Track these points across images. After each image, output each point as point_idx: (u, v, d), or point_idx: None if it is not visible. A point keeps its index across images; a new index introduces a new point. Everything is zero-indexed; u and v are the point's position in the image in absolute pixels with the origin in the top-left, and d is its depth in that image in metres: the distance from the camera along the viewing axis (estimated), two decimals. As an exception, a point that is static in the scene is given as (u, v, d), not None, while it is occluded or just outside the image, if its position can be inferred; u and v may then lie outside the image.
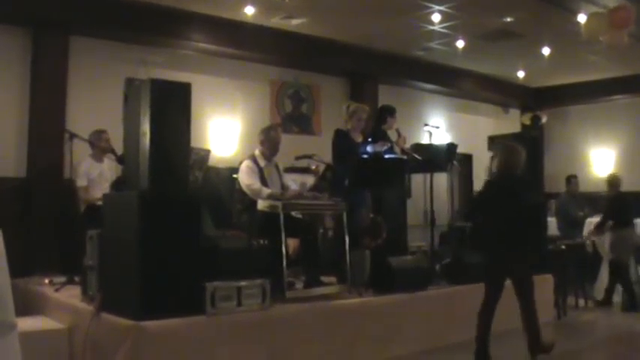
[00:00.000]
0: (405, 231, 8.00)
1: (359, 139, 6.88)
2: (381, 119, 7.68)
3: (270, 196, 5.71)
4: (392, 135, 7.41)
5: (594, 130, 13.35)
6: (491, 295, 5.44)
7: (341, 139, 6.77)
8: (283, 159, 6.68)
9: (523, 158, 5.48)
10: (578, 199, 10.07)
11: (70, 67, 7.98)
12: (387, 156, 6.74)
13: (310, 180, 7.66)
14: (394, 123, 7.54)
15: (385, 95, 11.15)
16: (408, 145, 7.50)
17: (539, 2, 8.28)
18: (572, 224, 9.50)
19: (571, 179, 10.31)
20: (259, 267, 5.09)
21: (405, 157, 6.98)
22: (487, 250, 5.57)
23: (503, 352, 5.90)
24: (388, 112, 7.66)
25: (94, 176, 6.98)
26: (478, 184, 12.62)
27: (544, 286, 7.43)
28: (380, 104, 10.85)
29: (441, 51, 10.66)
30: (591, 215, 9.42)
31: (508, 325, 6.67)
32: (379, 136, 7.29)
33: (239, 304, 4.77)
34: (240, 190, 6.01)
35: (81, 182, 6.93)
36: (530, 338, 5.41)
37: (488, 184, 5.71)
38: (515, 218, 5.29)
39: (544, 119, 12.77)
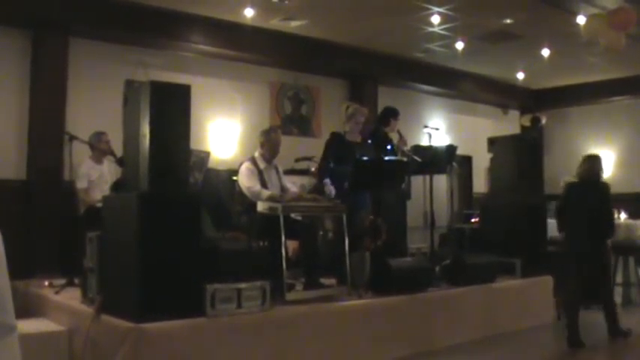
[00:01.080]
0: (405, 233, 8.00)
1: (357, 140, 6.88)
2: (383, 121, 7.68)
3: (269, 198, 5.70)
4: (393, 137, 7.42)
5: (594, 132, 13.36)
6: (579, 283, 6.38)
7: (334, 143, 6.72)
8: (283, 161, 6.68)
9: (602, 166, 6.63)
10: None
11: (69, 68, 7.98)
12: (386, 158, 6.74)
13: (310, 182, 7.67)
14: (396, 125, 7.56)
15: (385, 97, 11.15)
16: (408, 147, 7.51)
17: (539, 4, 8.29)
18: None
19: None
20: (259, 269, 5.09)
21: (405, 158, 6.97)
22: (575, 242, 6.48)
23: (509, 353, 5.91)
24: (392, 114, 7.68)
25: (94, 178, 6.98)
26: (478, 185, 12.67)
27: (544, 287, 7.44)
28: (379, 106, 10.88)
29: (441, 52, 10.67)
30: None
31: (510, 327, 6.70)
32: (380, 137, 7.28)
33: (239, 305, 4.77)
34: (240, 192, 6.00)
35: (81, 184, 6.93)
36: (609, 321, 6.45)
37: (572, 187, 6.71)
38: (595, 215, 6.33)
39: (544, 120, 12.78)
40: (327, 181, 6.40)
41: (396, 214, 7.63)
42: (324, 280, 5.93)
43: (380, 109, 10.80)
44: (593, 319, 7.78)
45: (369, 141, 6.98)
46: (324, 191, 6.37)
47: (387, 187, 6.72)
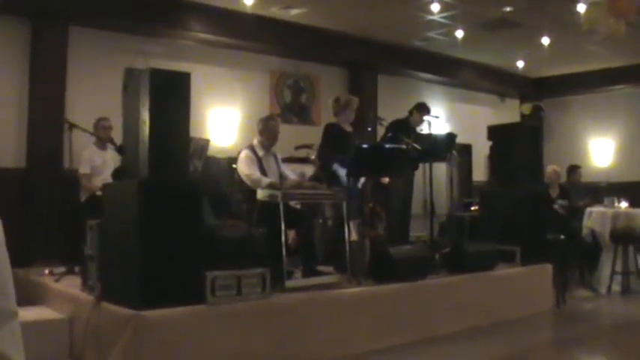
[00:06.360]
0: (409, 221, 8.03)
1: (350, 129, 7.01)
2: (411, 113, 8.12)
3: (269, 186, 5.71)
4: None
5: (594, 120, 13.36)
6: None
7: (333, 132, 6.89)
8: (282, 149, 6.69)
9: None
10: (579, 189, 10.08)
11: (69, 56, 7.97)
12: (386, 145, 6.77)
13: (309, 170, 7.67)
14: (421, 118, 8.04)
15: (384, 85, 11.16)
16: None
17: (539, -9, 8.28)
18: (573, 214, 9.51)
19: (576, 169, 10.34)
20: (259, 256, 5.09)
21: (404, 146, 6.98)
22: None
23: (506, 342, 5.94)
24: (415, 107, 8.09)
25: (98, 164, 6.99)
26: (477, 173, 12.68)
27: (544, 275, 7.45)
28: (379, 94, 10.97)
29: (441, 41, 10.65)
30: (591, 205, 9.43)
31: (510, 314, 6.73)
32: (398, 127, 7.61)
33: (239, 293, 4.77)
34: (240, 180, 6.01)
35: (83, 169, 6.94)
36: None
37: None
38: None
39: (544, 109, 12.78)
40: (336, 165, 6.48)
41: (401, 202, 7.70)
42: (323, 268, 5.95)
43: (380, 97, 10.93)
44: (591, 308, 7.82)
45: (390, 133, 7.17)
46: (329, 177, 6.43)
47: (386, 174, 6.79)
